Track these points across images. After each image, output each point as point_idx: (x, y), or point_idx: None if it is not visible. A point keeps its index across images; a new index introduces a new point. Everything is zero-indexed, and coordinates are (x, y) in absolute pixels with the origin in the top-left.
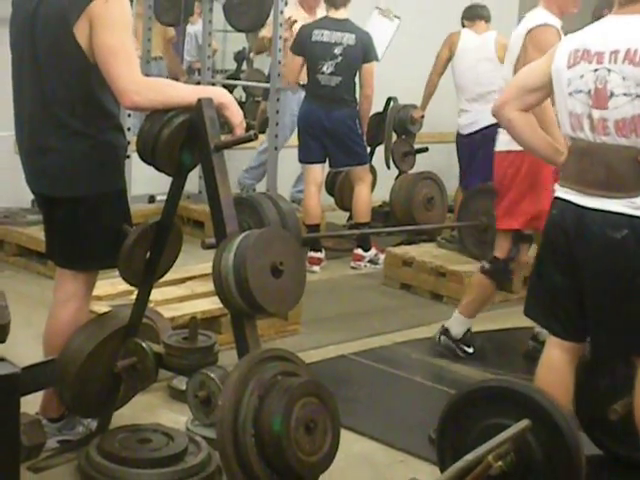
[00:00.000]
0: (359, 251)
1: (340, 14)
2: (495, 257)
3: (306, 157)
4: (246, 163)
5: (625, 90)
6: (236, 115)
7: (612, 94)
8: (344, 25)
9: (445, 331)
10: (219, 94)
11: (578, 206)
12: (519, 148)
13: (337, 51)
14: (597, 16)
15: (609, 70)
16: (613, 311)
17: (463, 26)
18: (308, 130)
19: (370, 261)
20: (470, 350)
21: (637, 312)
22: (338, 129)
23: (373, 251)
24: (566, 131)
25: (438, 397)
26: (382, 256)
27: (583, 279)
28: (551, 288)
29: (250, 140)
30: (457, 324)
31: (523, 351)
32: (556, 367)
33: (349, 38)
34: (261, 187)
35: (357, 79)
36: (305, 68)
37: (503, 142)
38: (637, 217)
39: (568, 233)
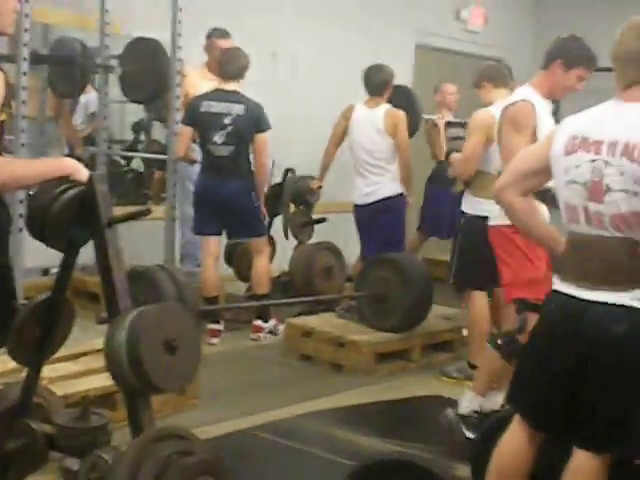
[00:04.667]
0: (258, 322)
1: (230, 86)
2: (507, 332)
3: (202, 229)
4: None
5: (622, 186)
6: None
7: (609, 188)
8: (233, 96)
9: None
10: (66, 164)
11: (579, 299)
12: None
13: (227, 121)
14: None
15: (606, 162)
16: (605, 403)
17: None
18: (204, 202)
19: (270, 332)
20: (469, 435)
21: (625, 404)
22: (234, 201)
23: (272, 322)
24: (564, 221)
25: (338, 470)
26: (282, 327)
27: (582, 372)
28: (544, 381)
29: (144, 214)
30: (468, 400)
31: (430, 420)
32: (521, 456)
33: (238, 109)
34: None
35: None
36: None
37: (494, 216)
38: (637, 309)
39: (567, 327)
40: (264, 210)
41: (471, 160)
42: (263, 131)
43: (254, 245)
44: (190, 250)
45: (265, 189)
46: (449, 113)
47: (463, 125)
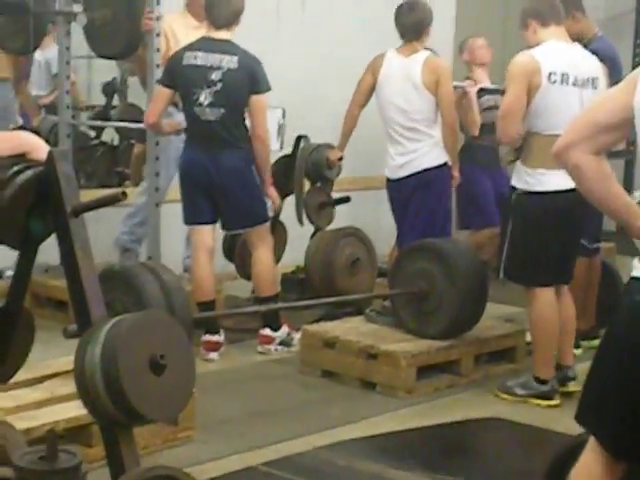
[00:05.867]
0: (267, 331)
1: (220, 35)
2: None
3: (191, 217)
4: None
5: None
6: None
7: None
8: (224, 46)
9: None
10: (19, 139)
11: None
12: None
13: (215, 76)
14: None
15: None
16: None
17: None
18: (192, 183)
19: (282, 343)
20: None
21: None
22: (229, 181)
23: (284, 330)
24: None
25: None
26: (297, 336)
27: None
28: (627, 395)
29: (118, 200)
30: None
31: (486, 450)
32: None
33: (229, 61)
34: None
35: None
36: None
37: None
38: None
39: None
40: (271, 191)
41: (510, 118)
42: (260, 92)
43: (254, 235)
44: None
45: (269, 162)
46: (483, 74)
47: (501, 93)
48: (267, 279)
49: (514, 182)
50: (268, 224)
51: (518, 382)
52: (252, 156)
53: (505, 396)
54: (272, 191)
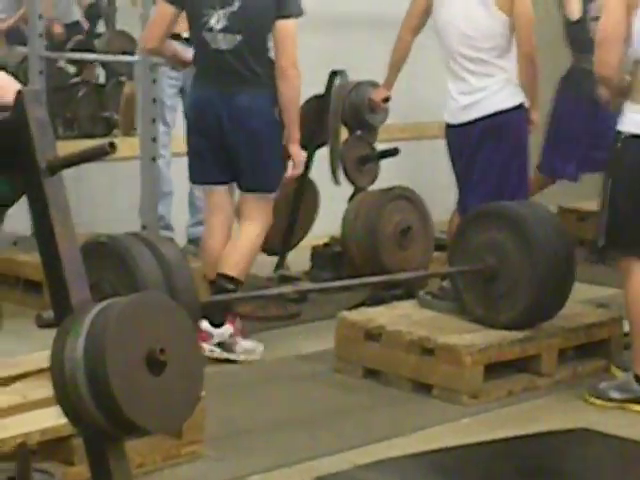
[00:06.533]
0: (204, 325)
1: None
2: None
3: (200, 175)
4: None
5: None
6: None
7: None
8: None
9: None
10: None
11: None
12: None
13: None
14: None
15: None
16: None
17: None
18: (200, 131)
19: (220, 345)
20: None
21: None
22: (243, 126)
23: (227, 329)
24: None
25: None
26: (247, 344)
27: None
28: None
29: (105, 154)
30: None
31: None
32: None
33: None
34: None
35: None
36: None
37: None
38: None
39: None
40: (295, 149)
41: (609, 44)
42: (289, 17)
43: (252, 203)
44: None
45: (297, 109)
46: None
47: None
48: (239, 257)
49: (620, 125)
50: (273, 196)
51: (614, 383)
52: (274, 97)
53: (598, 402)
54: (297, 149)
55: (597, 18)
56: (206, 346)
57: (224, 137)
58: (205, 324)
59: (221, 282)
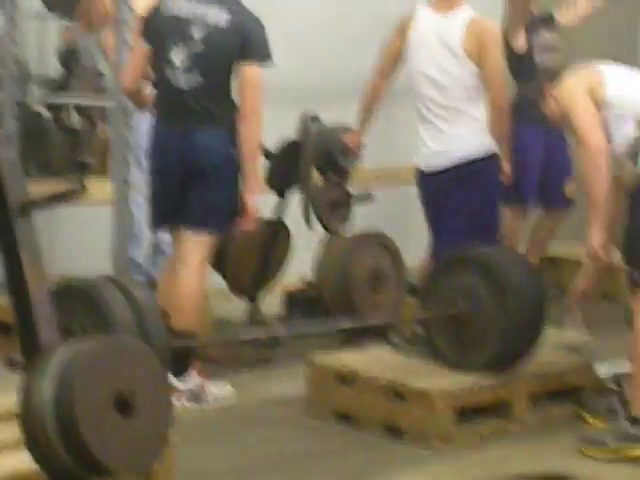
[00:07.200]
0: (172, 380)
1: None
2: None
3: (160, 218)
4: None
5: None
6: None
7: None
8: None
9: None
10: None
11: None
12: None
13: (196, 33)
14: None
15: None
16: None
17: None
18: (161, 173)
19: (192, 397)
20: None
21: None
22: (198, 163)
23: (195, 380)
24: None
25: None
26: (216, 390)
27: None
28: None
29: (76, 194)
30: None
31: None
32: None
33: (218, 17)
34: None
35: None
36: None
37: None
38: None
39: None
40: (250, 197)
41: (602, 154)
42: (253, 61)
43: (194, 244)
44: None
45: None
46: None
47: None
48: (191, 315)
49: None
50: (213, 238)
51: (607, 431)
52: (233, 137)
53: (597, 454)
54: (251, 201)
55: (546, 49)
56: (177, 403)
57: (186, 174)
58: (171, 379)
59: (179, 340)
